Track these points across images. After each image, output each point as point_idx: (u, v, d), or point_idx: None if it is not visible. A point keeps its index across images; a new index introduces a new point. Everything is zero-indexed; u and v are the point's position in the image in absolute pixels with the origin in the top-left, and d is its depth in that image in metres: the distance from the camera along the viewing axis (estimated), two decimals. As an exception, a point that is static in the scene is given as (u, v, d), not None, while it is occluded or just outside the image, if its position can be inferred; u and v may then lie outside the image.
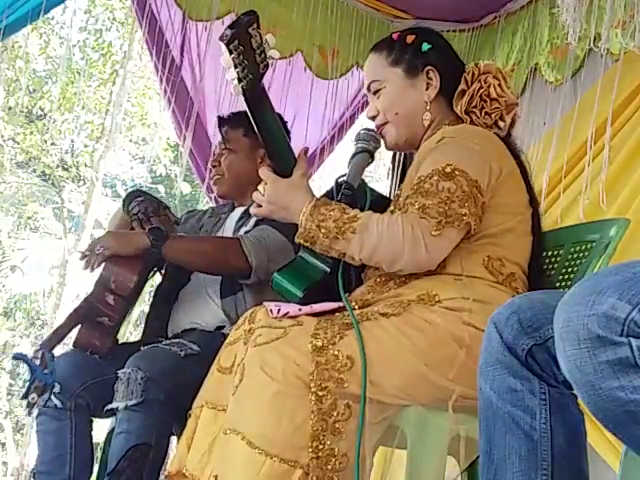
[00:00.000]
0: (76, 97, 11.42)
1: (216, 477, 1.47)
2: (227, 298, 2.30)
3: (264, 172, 1.70)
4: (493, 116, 1.78)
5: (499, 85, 1.80)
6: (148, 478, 1.98)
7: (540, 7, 3.24)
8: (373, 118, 1.87)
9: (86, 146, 12.51)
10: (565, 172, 2.84)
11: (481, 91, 1.78)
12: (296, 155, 1.73)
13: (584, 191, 2.72)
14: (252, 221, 2.40)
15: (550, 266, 1.88)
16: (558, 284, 1.84)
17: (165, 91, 3.43)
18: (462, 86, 1.79)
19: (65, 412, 2.13)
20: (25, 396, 2.11)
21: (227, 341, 1.70)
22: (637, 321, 0.94)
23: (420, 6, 3.57)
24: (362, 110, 3.89)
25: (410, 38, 1.84)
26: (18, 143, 12.59)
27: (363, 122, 3.91)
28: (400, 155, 1.97)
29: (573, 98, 2.99)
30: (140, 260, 2.21)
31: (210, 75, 3.49)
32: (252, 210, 1.74)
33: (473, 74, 1.80)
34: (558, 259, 1.87)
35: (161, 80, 3.45)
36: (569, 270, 1.84)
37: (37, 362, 2.05)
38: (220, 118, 2.59)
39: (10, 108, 11.56)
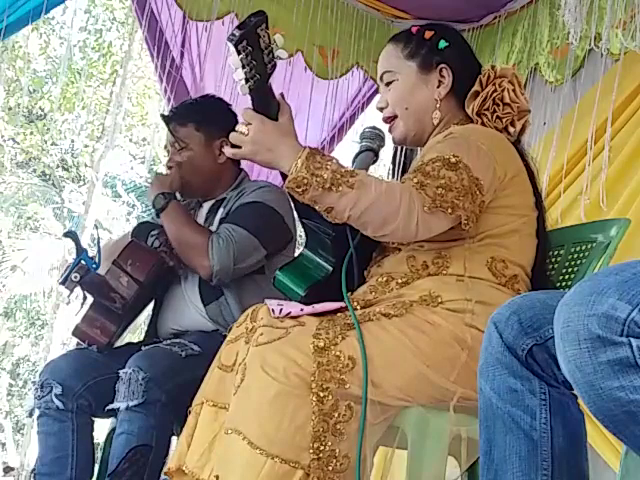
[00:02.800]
0: (76, 97, 11.43)
1: (217, 477, 1.47)
2: (211, 305, 2.29)
3: (248, 113, 1.59)
4: (504, 121, 1.77)
5: (513, 90, 1.78)
6: (149, 478, 1.98)
7: (540, 7, 3.24)
8: (382, 109, 1.86)
9: (86, 146, 12.53)
10: (565, 172, 2.84)
11: (495, 94, 1.77)
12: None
13: (584, 191, 2.72)
14: (216, 221, 2.38)
15: (550, 266, 1.88)
16: (558, 284, 1.84)
17: (165, 91, 3.43)
18: (476, 87, 1.78)
19: (67, 413, 2.12)
20: (68, 274, 2.14)
21: (228, 339, 1.70)
22: (637, 321, 0.94)
23: (420, 6, 3.56)
24: (362, 110, 3.89)
25: (429, 34, 1.83)
26: (18, 143, 12.61)
27: (363, 122, 3.91)
28: (400, 155, 1.97)
29: (573, 98, 2.99)
30: (157, 256, 2.23)
31: (210, 75, 3.49)
32: (228, 151, 1.64)
33: (489, 76, 1.79)
34: (558, 259, 1.88)
35: (161, 80, 3.45)
36: (569, 270, 1.84)
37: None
38: (164, 117, 2.48)
39: (10, 108, 11.58)
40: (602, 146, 2.71)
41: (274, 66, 1.54)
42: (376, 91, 3.80)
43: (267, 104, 1.58)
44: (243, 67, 1.48)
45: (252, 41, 1.47)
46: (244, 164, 2.56)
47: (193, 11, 3.34)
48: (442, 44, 1.82)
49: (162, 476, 2.02)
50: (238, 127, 1.60)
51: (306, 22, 3.49)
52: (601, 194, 2.65)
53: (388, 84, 1.85)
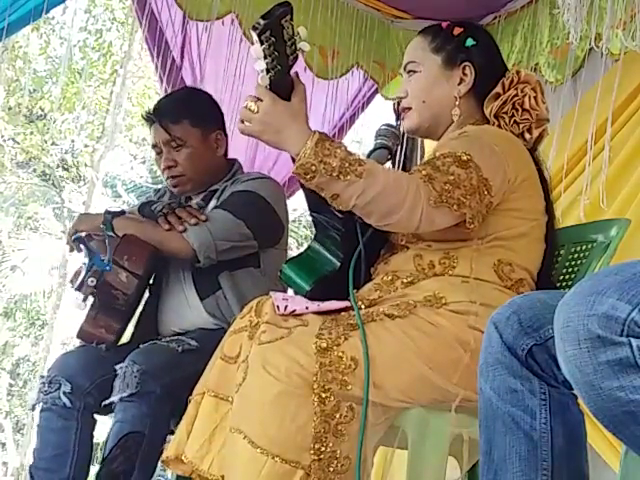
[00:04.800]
0: (76, 97, 11.43)
1: (223, 477, 1.48)
2: (207, 299, 2.28)
3: (262, 90, 1.55)
4: (521, 126, 1.77)
5: (535, 97, 1.79)
6: (141, 467, 1.96)
7: (540, 7, 3.24)
8: (400, 99, 1.86)
9: (86, 146, 12.54)
10: (565, 172, 2.83)
11: (515, 99, 1.77)
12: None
13: (584, 191, 2.71)
14: (210, 207, 2.35)
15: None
16: (558, 284, 1.84)
17: (165, 91, 3.43)
18: (498, 89, 1.78)
19: (73, 412, 2.11)
20: (82, 281, 2.13)
21: (231, 329, 1.69)
22: (637, 321, 0.94)
23: (420, 6, 3.56)
24: (362, 110, 3.89)
25: (457, 30, 1.84)
26: (18, 143, 12.61)
27: (363, 122, 3.92)
28: (401, 156, 1.97)
29: (573, 98, 2.99)
30: (151, 247, 2.21)
31: (210, 75, 3.49)
32: (239, 126, 1.62)
33: (512, 80, 1.79)
34: (558, 259, 1.88)
35: (161, 80, 3.44)
36: (569, 270, 1.84)
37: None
38: (155, 112, 2.39)
39: (10, 108, 11.58)
40: (602, 146, 2.71)
41: (296, 58, 1.52)
42: (376, 91, 3.80)
43: (286, 96, 1.57)
44: (265, 58, 1.47)
45: (276, 32, 1.45)
46: (246, 156, 2.54)
47: (193, 11, 3.33)
48: (469, 42, 1.82)
49: (159, 466, 2.01)
50: (247, 102, 1.58)
51: (306, 22, 3.47)
52: (601, 194, 2.64)
53: (410, 75, 1.85)
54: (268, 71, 1.50)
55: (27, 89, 11.34)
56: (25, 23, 2.97)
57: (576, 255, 1.84)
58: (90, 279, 2.14)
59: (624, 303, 0.94)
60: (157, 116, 2.38)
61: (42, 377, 2.17)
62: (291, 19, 1.47)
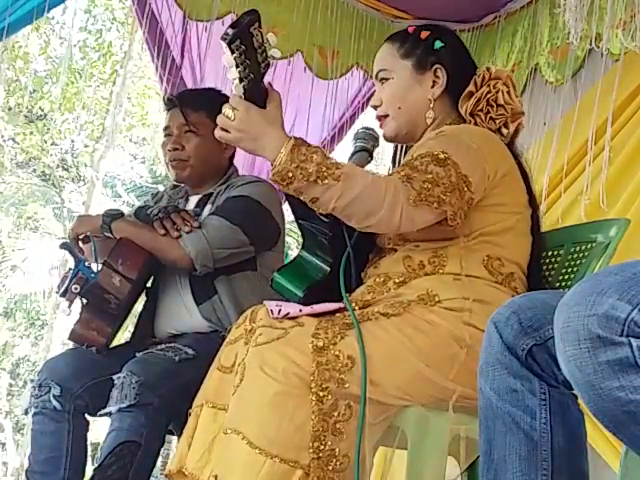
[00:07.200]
0: (76, 97, 11.44)
1: (216, 477, 1.48)
2: (204, 304, 2.27)
3: (235, 99, 1.56)
4: (497, 122, 1.78)
5: (508, 92, 1.79)
6: (134, 477, 1.95)
7: (540, 7, 3.24)
8: (375, 107, 1.87)
9: (86, 146, 12.55)
10: (565, 172, 2.83)
11: (489, 96, 1.78)
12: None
13: (585, 191, 2.71)
14: (205, 212, 2.35)
15: (550, 266, 1.88)
16: (558, 284, 1.84)
17: (165, 91, 3.43)
18: (470, 88, 1.79)
19: (63, 414, 2.11)
20: (67, 286, 2.14)
21: (227, 340, 1.70)
22: (637, 321, 0.94)
23: (420, 6, 3.56)
24: (362, 110, 3.89)
25: (424, 34, 1.85)
26: (18, 143, 12.63)
27: (363, 122, 3.91)
28: (400, 156, 1.98)
29: (573, 98, 2.99)
30: (146, 253, 2.21)
31: (210, 75, 3.49)
32: (216, 133, 1.61)
33: (483, 78, 1.80)
34: (558, 259, 1.88)
35: (161, 80, 3.45)
36: (569, 270, 1.84)
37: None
38: (177, 97, 2.46)
39: (10, 108, 11.59)
40: (602, 146, 2.71)
41: (268, 65, 1.53)
42: (376, 91, 3.80)
43: (262, 103, 1.58)
44: (237, 66, 1.48)
45: (245, 40, 1.47)
46: (246, 158, 2.52)
47: (193, 11, 3.34)
48: (437, 44, 1.83)
49: (159, 477, 2.01)
50: (224, 109, 1.58)
51: (306, 22, 3.49)
52: (601, 194, 2.64)
53: (383, 83, 1.86)
54: (241, 80, 1.50)
55: (27, 89, 11.34)
56: (25, 23, 2.98)
57: (576, 255, 1.84)
58: (74, 286, 2.15)
59: (624, 303, 0.94)
60: (179, 100, 2.43)
61: (32, 381, 2.16)
62: (259, 26, 1.48)
